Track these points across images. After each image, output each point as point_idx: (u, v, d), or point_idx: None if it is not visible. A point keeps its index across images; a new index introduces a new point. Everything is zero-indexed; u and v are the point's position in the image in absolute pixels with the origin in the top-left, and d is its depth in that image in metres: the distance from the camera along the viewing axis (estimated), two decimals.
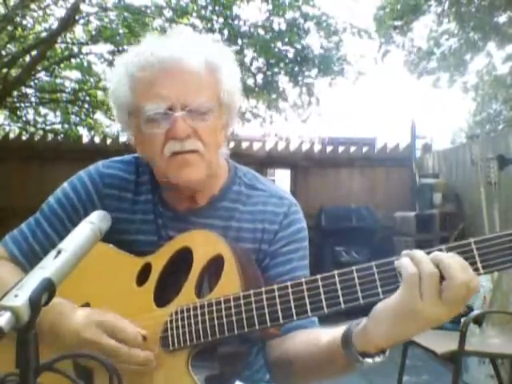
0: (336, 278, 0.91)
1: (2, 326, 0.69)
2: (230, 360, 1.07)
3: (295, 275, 1.14)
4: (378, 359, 0.91)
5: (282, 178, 8.00)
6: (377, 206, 6.62)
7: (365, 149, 7.23)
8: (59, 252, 0.84)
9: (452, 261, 0.82)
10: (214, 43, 1.16)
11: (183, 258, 1.09)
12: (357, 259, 6.03)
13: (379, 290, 0.88)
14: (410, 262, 0.83)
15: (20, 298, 0.72)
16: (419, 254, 0.84)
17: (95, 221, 0.95)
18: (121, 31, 7.16)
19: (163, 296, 1.09)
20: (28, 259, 1.20)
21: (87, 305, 1.13)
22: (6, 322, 0.70)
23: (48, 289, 0.76)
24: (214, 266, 1.06)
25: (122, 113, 1.14)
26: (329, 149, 7.29)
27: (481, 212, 4.27)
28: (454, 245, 0.86)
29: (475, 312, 3.04)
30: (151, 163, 1.16)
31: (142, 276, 1.12)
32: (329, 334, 0.99)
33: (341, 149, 7.20)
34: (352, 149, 7.19)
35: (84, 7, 6.62)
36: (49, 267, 0.80)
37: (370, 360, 0.91)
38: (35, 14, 7.29)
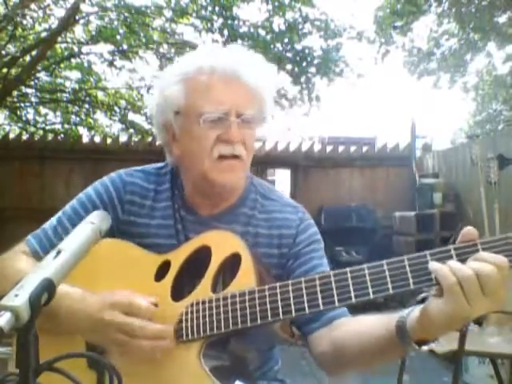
0: (348, 274, 0.98)
1: (2, 325, 0.69)
2: (240, 356, 1.11)
3: (319, 271, 1.21)
4: (432, 344, 0.97)
5: (282, 178, 7.99)
6: (377, 205, 6.62)
7: (365, 148, 7.22)
8: (59, 252, 0.84)
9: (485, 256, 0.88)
10: (263, 62, 1.24)
11: (202, 256, 1.14)
12: (357, 259, 6.03)
13: (389, 285, 0.94)
14: (449, 271, 0.88)
15: (20, 297, 0.73)
16: (453, 263, 0.89)
17: (95, 221, 0.96)
18: (121, 31, 7.15)
19: (180, 291, 1.14)
20: None
21: None
22: (6, 322, 0.70)
23: (48, 289, 0.76)
24: (231, 264, 1.11)
25: (167, 112, 1.19)
26: (329, 148, 7.28)
27: (481, 212, 4.27)
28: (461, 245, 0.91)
29: None
30: (190, 164, 1.21)
31: (161, 272, 1.17)
32: (379, 324, 1.05)
33: (341, 148, 7.20)
34: (352, 148, 7.18)
35: (84, 7, 6.62)
36: (49, 267, 0.81)
37: (425, 347, 0.97)
38: (35, 14, 7.28)
